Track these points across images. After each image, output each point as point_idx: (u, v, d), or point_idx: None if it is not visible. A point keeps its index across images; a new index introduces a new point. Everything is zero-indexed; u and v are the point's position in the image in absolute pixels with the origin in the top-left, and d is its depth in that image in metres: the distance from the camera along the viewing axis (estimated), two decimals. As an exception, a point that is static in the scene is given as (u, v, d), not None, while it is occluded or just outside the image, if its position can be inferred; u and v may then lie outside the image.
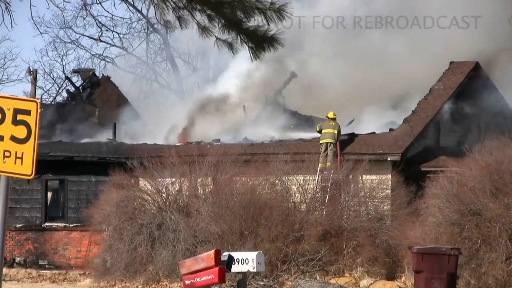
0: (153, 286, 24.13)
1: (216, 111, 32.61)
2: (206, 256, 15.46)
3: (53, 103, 43.77)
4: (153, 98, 49.17)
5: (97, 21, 50.00)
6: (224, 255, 15.57)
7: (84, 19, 50.26)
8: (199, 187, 26.00)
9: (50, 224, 31.08)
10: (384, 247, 23.97)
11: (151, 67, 52.46)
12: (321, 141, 26.86)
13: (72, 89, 40.67)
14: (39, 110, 8.29)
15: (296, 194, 25.32)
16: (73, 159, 30.85)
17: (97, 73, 42.42)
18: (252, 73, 32.01)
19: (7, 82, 54.58)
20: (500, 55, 30.33)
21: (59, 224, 30.99)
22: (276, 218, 23.77)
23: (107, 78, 40.50)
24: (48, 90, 51.87)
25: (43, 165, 28.04)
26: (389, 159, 26.53)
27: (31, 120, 8.26)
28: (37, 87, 39.50)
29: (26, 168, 8.26)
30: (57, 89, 50.14)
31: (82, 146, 31.93)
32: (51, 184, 32.19)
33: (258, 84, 32.47)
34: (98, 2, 48.58)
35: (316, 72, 32.28)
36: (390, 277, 23.38)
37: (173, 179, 26.12)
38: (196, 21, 11.70)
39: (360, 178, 26.14)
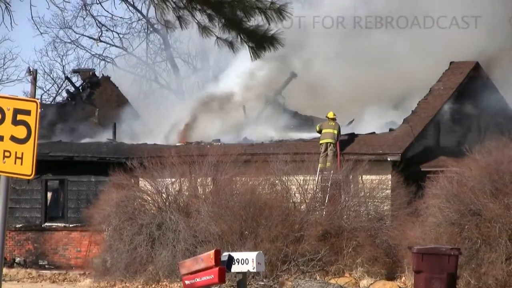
0: (153, 286, 24.12)
1: (219, 110, 32.59)
2: (206, 256, 15.44)
3: (53, 103, 43.73)
4: (153, 98, 49.15)
5: (97, 21, 50.04)
6: (224, 255, 15.56)
7: (84, 19, 50.32)
8: (199, 187, 25.98)
9: (50, 224, 31.06)
10: (384, 247, 23.96)
11: (151, 67, 52.41)
12: (321, 141, 26.85)
13: (72, 89, 40.62)
14: (39, 110, 8.28)
15: (296, 194, 25.31)
16: (73, 159, 30.85)
17: (97, 73, 42.37)
18: (255, 72, 31.97)
19: (7, 82, 54.67)
20: (500, 55, 30.32)
21: (59, 224, 30.98)
22: (276, 218, 23.76)
23: (107, 78, 40.47)
24: (48, 90, 51.93)
25: (43, 165, 28.03)
26: (389, 159, 26.52)
27: (31, 120, 8.26)
28: (37, 87, 39.49)
29: (26, 168, 8.26)
30: (57, 89, 50.15)
31: (82, 146, 31.92)
32: (51, 184, 32.16)
33: (262, 83, 32.45)
34: (98, 2, 48.59)
35: (316, 72, 32.26)
36: (390, 277, 23.37)
37: (173, 179, 26.11)
38: (196, 21, 11.71)
39: (360, 178, 26.13)
